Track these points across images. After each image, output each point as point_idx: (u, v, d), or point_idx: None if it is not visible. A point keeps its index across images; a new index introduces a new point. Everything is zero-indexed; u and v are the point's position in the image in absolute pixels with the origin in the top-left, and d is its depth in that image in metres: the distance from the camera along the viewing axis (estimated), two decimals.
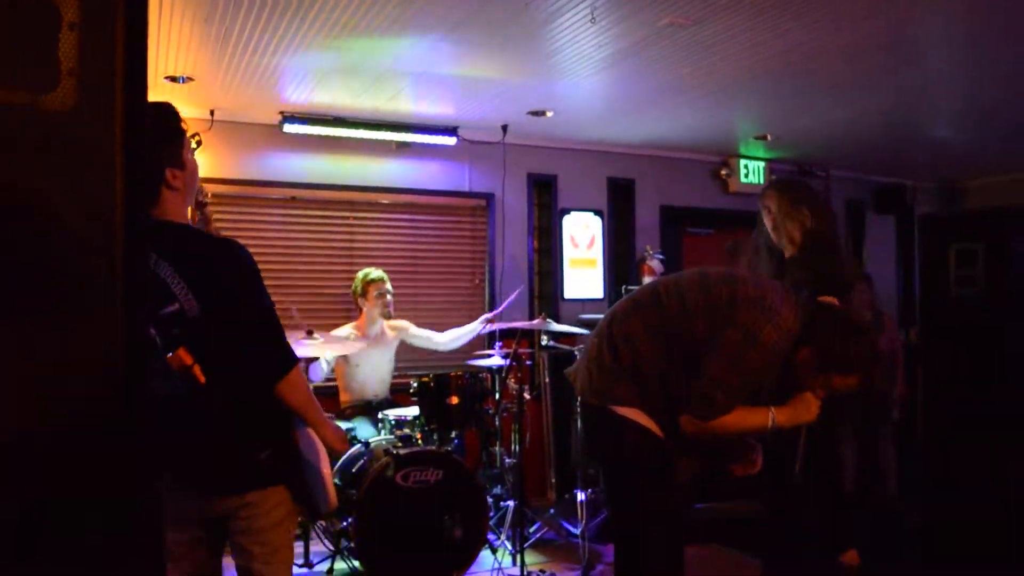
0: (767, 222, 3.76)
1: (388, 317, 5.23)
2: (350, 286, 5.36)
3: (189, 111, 5.27)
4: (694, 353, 2.69)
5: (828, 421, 3.31)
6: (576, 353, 5.17)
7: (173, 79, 4.62)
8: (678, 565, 2.81)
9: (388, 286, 5.18)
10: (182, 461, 2.38)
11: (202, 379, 2.24)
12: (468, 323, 5.50)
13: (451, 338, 5.42)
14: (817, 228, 3.62)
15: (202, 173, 5.78)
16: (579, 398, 2.99)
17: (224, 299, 2.32)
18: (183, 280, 2.28)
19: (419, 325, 5.53)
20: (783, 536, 4.01)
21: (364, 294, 5.14)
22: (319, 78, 4.71)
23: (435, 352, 5.59)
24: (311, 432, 2.54)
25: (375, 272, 5.20)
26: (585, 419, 3.16)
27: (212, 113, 5.27)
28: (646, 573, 2.80)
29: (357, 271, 5.35)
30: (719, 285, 2.75)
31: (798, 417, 2.72)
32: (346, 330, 5.18)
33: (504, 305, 5.32)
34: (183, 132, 2.46)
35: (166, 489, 2.41)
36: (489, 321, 5.32)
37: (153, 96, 5.79)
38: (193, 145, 5.26)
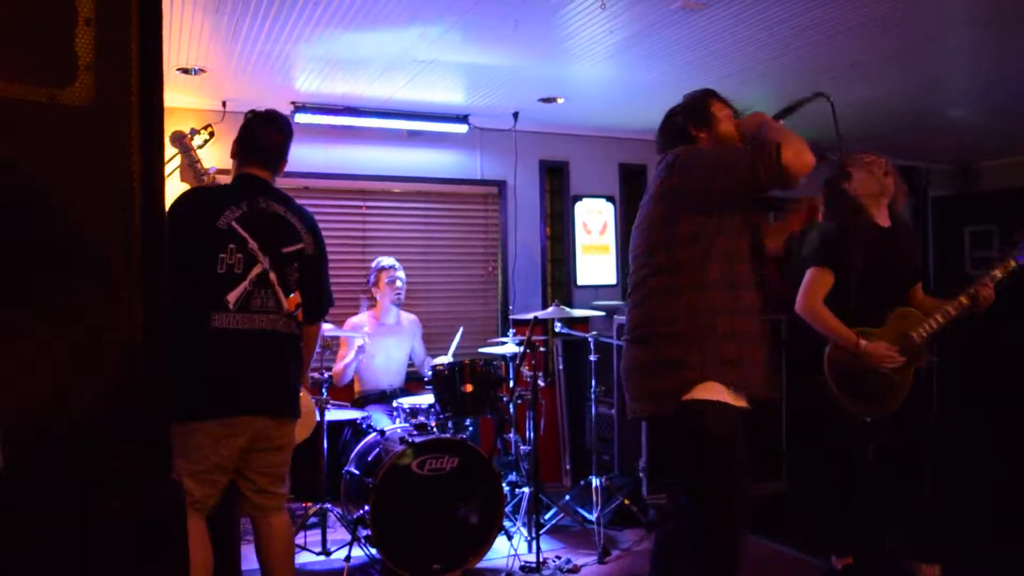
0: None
1: (400, 305, 5.23)
2: (363, 275, 5.36)
3: (201, 103, 5.30)
4: (706, 240, 2.73)
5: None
6: (590, 339, 5.17)
7: (185, 71, 4.63)
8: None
9: (399, 273, 5.18)
10: (264, 391, 2.95)
11: (300, 318, 3.06)
12: (482, 311, 5.53)
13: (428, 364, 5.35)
14: None
15: (215, 164, 5.81)
16: (652, 418, 2.88)
17: (320, 246, 3.17)
18: (302, 226, 3.08)
19: (432, 318, 5.65)
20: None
21: (376, 283, 5.16)
22: (330, 67, 4.71)
23: (448, 342, 5.59)
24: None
25: (386, 259, 5.21)
26: (665, 436, 3.14)
27: (224, 104, 5.28)
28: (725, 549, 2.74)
29: (370, 260, 5.37)
30: (643, 209, 2.94)
31: (764, 120, 2.91)
32: (363, 319, 5.19)
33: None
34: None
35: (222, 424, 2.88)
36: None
37: (165, 88, 5.77)
38: (206, 136, 5.31)
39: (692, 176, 2.73)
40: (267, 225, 2.98)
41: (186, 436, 2.80)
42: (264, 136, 3.18)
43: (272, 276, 2.94)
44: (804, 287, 3.67)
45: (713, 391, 2.70)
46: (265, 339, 2.93)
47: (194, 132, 5.10)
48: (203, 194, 3.09)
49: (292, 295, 2.98)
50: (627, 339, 2.92)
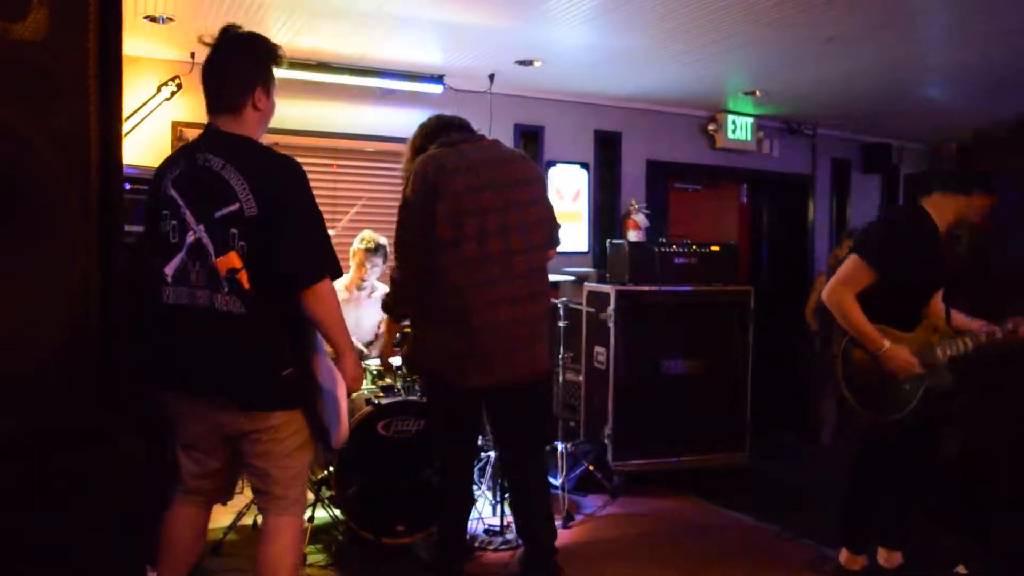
0: None
1: (360, 288, 5.06)
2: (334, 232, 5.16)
3: (170, 53, 5.17)
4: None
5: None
6: (560, 305, 5.15)
7: (153, 19, 4.50)
8: None
9: (378, 259, 4.92)
10: (204, 374, 2.53)
11: (247, 285, 2.44)
12: None
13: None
14: None
15: (182, 118, 5.66)
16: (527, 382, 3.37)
17: (279, 203, 2.50)
18: (247, 183, 2.47)
19: None
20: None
21: (353, 255, 5.00)
22: (302, 21, 4.60)
23: None
24: (329, 360, 2.66)
25: (369, 242, 4.92)
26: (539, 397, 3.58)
27: (193, 56, 5.15)
28: None
29: (339, 220, 5.26)
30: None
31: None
32: (346, 276, 5.03)
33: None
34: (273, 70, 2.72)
35: (183, 400, 2.59)
36: None
37: (131, 36, 5.63)
38: (173, 88, 5.14)
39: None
40: (201, 185, 2.51)
41: (167, 402, 2.62)
42: (204, 69, 2.72)
43: (209, 246, 2.48)
44: (841, 275, 3.46)
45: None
46: (206, 317, 2.48)
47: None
48: (175, 152, 2.72)
49: (222, 257, 2.46)
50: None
